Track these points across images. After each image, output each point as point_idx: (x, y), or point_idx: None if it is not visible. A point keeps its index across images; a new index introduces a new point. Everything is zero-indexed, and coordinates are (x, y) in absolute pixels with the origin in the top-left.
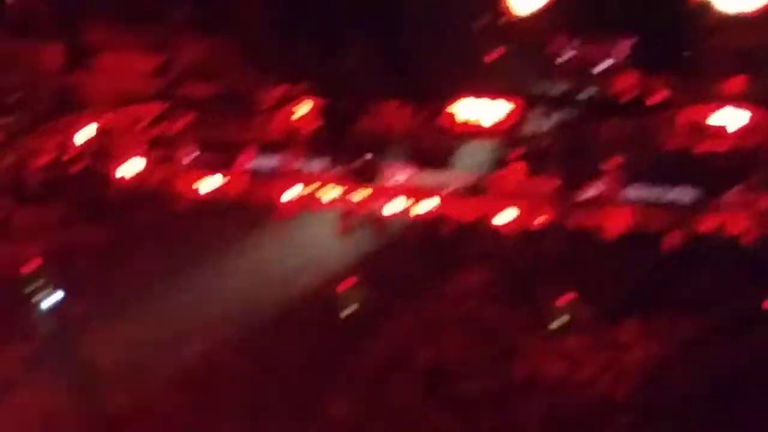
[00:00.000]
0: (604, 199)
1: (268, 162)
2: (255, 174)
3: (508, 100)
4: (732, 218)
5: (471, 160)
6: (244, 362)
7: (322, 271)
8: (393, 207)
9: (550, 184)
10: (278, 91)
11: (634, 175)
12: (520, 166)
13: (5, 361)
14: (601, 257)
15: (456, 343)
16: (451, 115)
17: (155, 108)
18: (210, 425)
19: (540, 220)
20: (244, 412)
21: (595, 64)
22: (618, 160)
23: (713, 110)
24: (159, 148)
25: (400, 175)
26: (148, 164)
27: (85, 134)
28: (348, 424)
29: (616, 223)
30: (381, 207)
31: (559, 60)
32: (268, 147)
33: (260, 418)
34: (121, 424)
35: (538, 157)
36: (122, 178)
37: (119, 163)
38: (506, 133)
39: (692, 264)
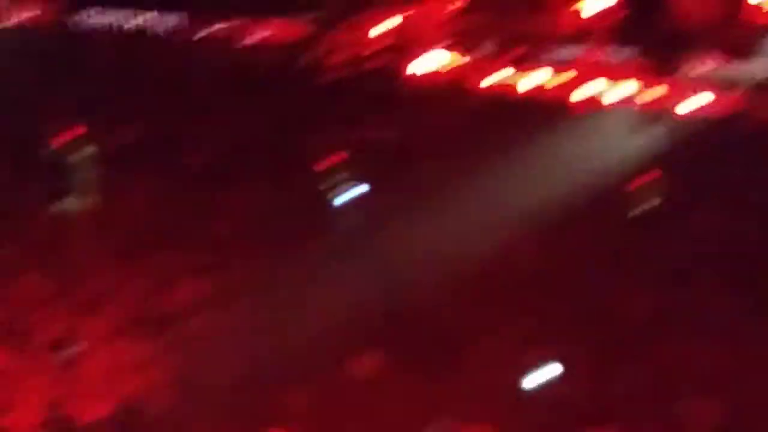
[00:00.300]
0: None
1: (564, 54)
2: (551, 67)
3: None
4: None
5: None
6: (537, 260)
7: (617, 168)
8: (693, 101)
9: None
10: None
11: None
12: None
13: (305, 256)
14: None
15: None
16: (757, 5)
17: (450, 2)
18: (504, 320)
19: None
20: (538, 308)
21: None
22: None
23: None
24: (454, 43)
25: (702, 67)
26: (443, 59)
27: (381, 29)
28: (645, 324)
29: None
30: (680, 101)
31: None
32: (565, 39)
33: (554, 315)
34: (417, 318)
35: None
36: (417, 74)
37: (415, 59)
38: None
39: None
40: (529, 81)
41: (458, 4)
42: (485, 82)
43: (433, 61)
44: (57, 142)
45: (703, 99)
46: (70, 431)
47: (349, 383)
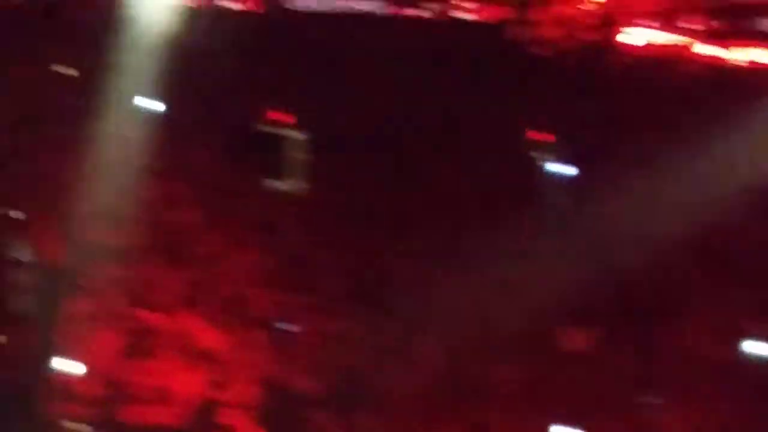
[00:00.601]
0: None
1: None
2: (761, 40)
3: None
4: None
5: None
6: (758, 233)
7: None
8: None
9: None
10: None
11: None
12: None
13: (515, 231)
14: None
15: None
16: None
17: None
18: (721, 295)
19: None
20: (757, 283)
21: None
22: None
23: None
24: (663, 18)
25: None
26: (653, 34)
27: (592, 3)
28: None
29: None
30: None
31: None
32: None
33: None
34: (629, 293)
35: None
36: (628, 48)
37: (625, 33)
38: None
39: None
40: (740, 54)
41: None
42: (696, 56)
43: (643, 36)
44: (268, 125)
45: None
46: (286, 406)
47: (561, 358)
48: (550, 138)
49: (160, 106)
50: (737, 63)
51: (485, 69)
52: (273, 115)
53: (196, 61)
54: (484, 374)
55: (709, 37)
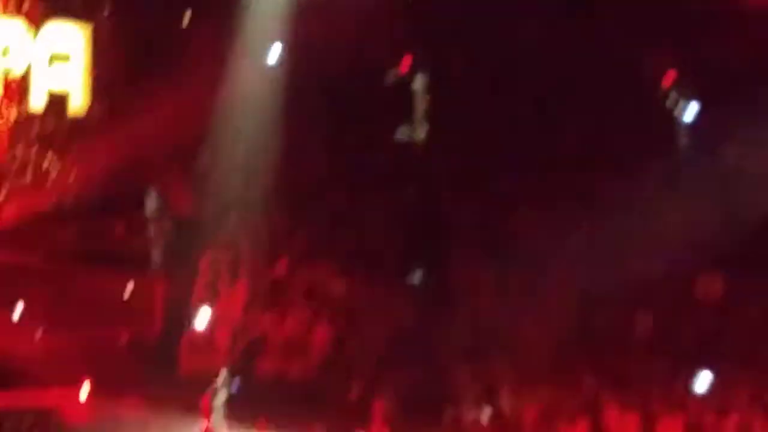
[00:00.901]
0: None
1: None
2: None
3: None
4: None
5: None
6: None
7: None
8: None
9: None
10: None
11: None
12: None
13: (645, 175)
14: None
15: None
16: None
17: None
18: None
19: None
20: None
21: None
22: None
23: None
24: None
25: None
26: None
27: None
28: None
29: None
30: None
31: None
32: None
33: None
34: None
35: None
36: None
37: None
38: None
39: None
40: None
41: None
42: None
43: None
44: (395, 75)
45: None
46: (417, 355)
47: (695, 306)
48: (678, 80)
49: (281, 62)
50: None
51: (612, 9)
52: (400, 64)
53: (320, 14)
54: (617, 322)
55: None
